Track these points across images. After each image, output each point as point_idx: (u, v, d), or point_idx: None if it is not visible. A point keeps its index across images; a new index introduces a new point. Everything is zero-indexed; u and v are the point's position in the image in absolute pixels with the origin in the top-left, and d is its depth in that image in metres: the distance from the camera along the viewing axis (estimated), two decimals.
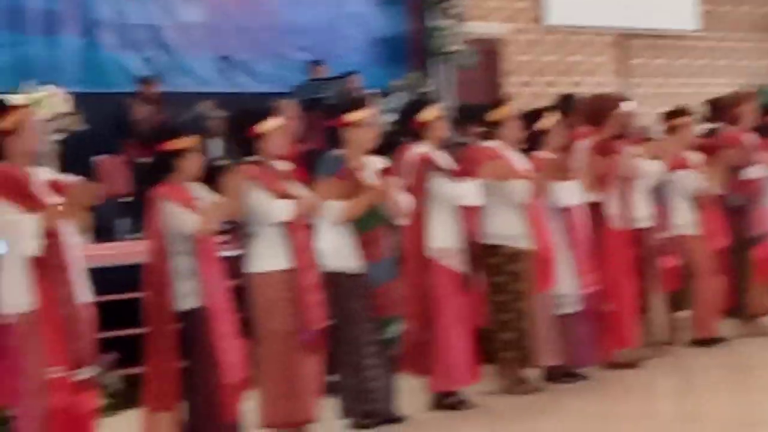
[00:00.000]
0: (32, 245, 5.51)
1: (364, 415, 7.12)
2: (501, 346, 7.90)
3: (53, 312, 5.57)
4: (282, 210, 6.67)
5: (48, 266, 5.58)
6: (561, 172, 8.09)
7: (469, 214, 7.68)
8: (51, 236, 5.59)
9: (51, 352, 5.56)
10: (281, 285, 6.69)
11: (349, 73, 13.93)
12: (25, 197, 5.60)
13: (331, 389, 7.12)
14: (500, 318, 7.88)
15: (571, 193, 8.20)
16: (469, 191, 7.54)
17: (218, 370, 6.24)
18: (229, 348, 6.29)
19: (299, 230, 6.76)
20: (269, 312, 6.70)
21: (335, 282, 7.02)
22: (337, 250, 7.04)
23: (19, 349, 5.58)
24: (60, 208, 5.64)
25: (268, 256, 6.71)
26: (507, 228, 7.86)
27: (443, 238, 7.50)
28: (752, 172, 9.65)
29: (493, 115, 8.05)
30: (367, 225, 7.08)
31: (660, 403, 8.04)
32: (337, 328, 7.00)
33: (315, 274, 6.79)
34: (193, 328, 6.27)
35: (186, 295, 6.28)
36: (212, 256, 6.36)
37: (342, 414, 7.19)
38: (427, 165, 7.47)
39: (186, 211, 6.25)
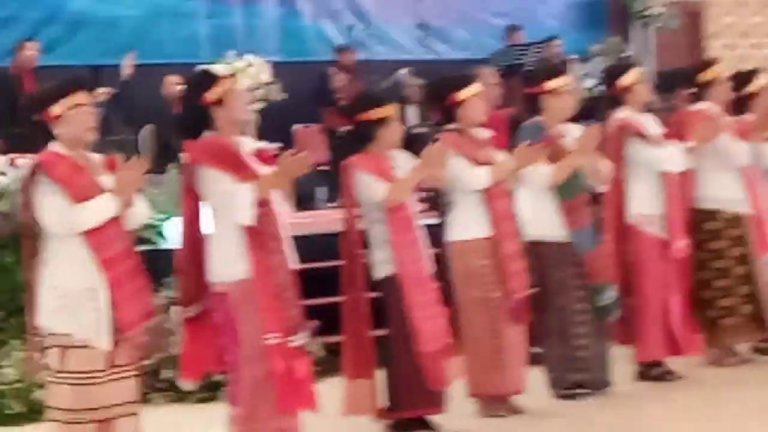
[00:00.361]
0: (247, 214, 5.55)
1: (572, 386, 7.02)
2: (723, 312, 7.70)
3: (267, 280, 5.61)
4: (481, 178, 6.59)
5: (261, 235, 5.62)
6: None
7: (682, 178, 7.50)
8: (263, 205, 5.62)
9: (267, 319, 5.60)
10: (481, 253, 6.62)
11: (549, 39, 13.76)
12: (237, 167, 5.64)
13: (536, 360, 7.02)
14: (720, 284, 7.69)
15: None
16: (672, 156, 7.32)
17: (414, 338, 6.20)
18: (427, 316, 6.25)
19: (499, 198, 6.68)
20: (469, 280, 6.65)
21: (540, 250, 6.93)
22: (540, 218, 6.95)
23: (235, 317, 5.64)
24: (272, 177, 5.66)
25: (468, 225, 6.66)
26: (725, 191, 7.67)
27: (644, 205, 7.34)
28: None
29: (703, 76, 7.81)
30: (570, 192, 6.96)
31: None
32: (543, 297, 6.90)
33: (516, 242, 6.69)
34: (387, 295, 6.28)
35: (381, 263, 6.29)
36: (408, 225, 6.33)
37: (549, 384, 7.08)
38: (626, 130, 7.29)
39: (377, 180, 6.23)
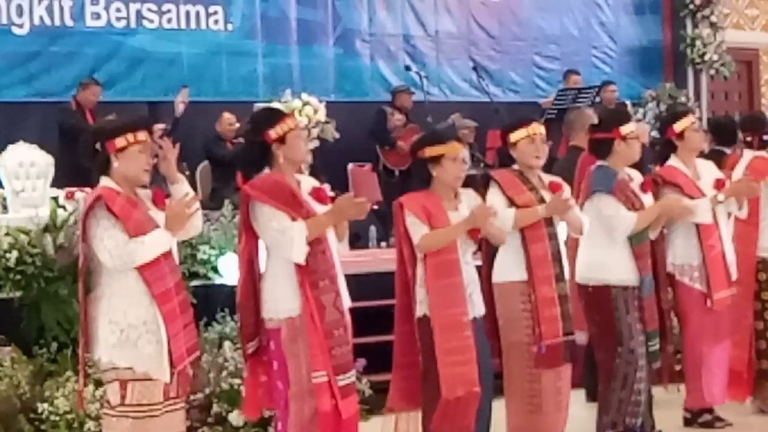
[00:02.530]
0: (299, 252, 5.62)
1: (626, 429, 7.00)
2: None
3: (318, 318, 5.66)
4: (506, 219, 6.53)
5: (313, 273, 5.68)
6: None
7: (742, 226, 7.58)
8: (317, 243, 5.69)
9: (315, 357, 5.65)
10: (520, 296, 6.63)
11: (605, 83, 13.81)
12: (294, 205, 5.71)
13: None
14: None
15: None
16: (702, 207, 7.31)
17: (438, 382, 6.17)
18: (454, 362, 6.17)
19: (537, 241, 6.62)
20: (511, 323, 6.66)
21: (609, 295, 6.89)
22: (613, 262, 6.91)
23: (285, 354, 5.71)
24: (326, 217, 5.74)
25: (510, 266, 6.66)
26: None
27: (680, 255, 7.38)
28: None
29: None
30: (642, 237, 6.99)
31: None
32: (609, 341, 6.89)
33: (553, 287, 6.61)
34: (421, 335, 6.27)
35: (420, 302, 6.29)
36: (446, 269, 6.23)
37: (604, 427, 7.06)
38: (664, 180, 7.33)
39: (420, 223, 6.21)
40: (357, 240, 11.48)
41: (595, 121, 7.58)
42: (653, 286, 7.01)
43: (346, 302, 5.88)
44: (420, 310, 6.29)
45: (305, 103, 11.97)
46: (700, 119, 15.03)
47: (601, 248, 6.91)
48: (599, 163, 7.04)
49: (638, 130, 7.32)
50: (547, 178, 6.81)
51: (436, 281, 6.23)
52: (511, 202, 6.60)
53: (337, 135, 12.11)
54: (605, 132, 7.08)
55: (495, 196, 6.62)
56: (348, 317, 5.89)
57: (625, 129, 7.02)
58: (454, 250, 6.30)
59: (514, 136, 6.74)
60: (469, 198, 6.46)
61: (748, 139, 8.02)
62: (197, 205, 5.57)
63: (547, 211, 6.58)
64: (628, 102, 13.59)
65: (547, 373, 6.63)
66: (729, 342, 7.45)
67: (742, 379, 7.63)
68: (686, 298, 7.37)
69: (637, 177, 7.11)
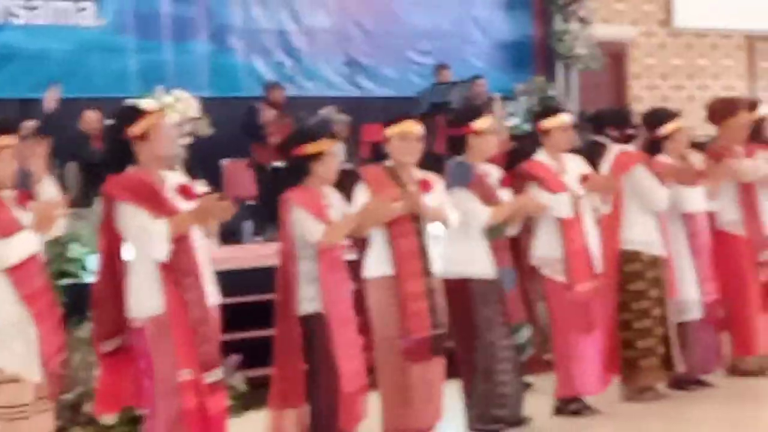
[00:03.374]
0: (162, 250, 5.62)
1: (493, 422, 7.12)
2: (642, 353, 7.85)
3: (182, 315, 5.66)
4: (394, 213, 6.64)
5: (177, 270, 5.68)
6: (684, 177, 7.99)
7: (607, 220, 7.72)
8: (180, 240, 5.68)
9: (181, 354, 5.65)
10: (388, 291, 6.70)
11: (475, 78, 13.97)
12: (156, 202, 5.69)
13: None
14: (641, 325, 7.84)
15: (695, 199, 8.11)
16: (560, 202, 7.43)
17: (336, 377, 6.27)
18: (349, 356, 6.32)
19: (404, 236, 6.70)
20: (381, 318, 6.71)
21: (468, 288, 7.02)
22: (470, 256, 7.04)
23: (151, 352, 5.69)
24: (189, 215, 5.74)
25: (378, 261, 6.73)
26: (644, 234, 7.84)
27: (544, 248, 7.49)
28: None
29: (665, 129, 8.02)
30: (496, 232, 7.10)
31: None
32: (468, 335, 7.00)
33: (420, 281, 6.71)
34: (312, 332, 6.31)
35: (308, 300, 6.33)
36: (337, 264, 6.39)
37: (471, 420, 7.18)
38: (526, 175, 7.46)
39: (314, 219, 6.29)
40: (231, 235, 11.45)
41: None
42: (516, 279, 7.15)
43: (214, 299, 5.89)
44: (309, 306, 6.32)
45: (177, 99, 11.90)
46: (571, 112, 15.29)
47: (459, 242, 7.03)
48: (458, 158, 7.15)
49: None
50: (419, 174, 6.88)
51: (331, 276, 6.31)
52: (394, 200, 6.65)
53: (210, 131, 12.07)
54: (459, 127, 7.20)
55: (360, 192, 6.68)
56: (215, 314, 5.90)
57: (478, 124, 7.13)
58: (343, 246, 6.39)
59: (387, 132, 6.81)
60: (333, 197, 6.53)
61: (614, 133, 8.18)
62: (64, 205, 5.55)
63: (403, 208, 6.64)
64: (499, 95, 13.74)
65: (416, 367, 6.70)
66: (599, 332, 7.59)
67: (611, 369, 7.78)
68: (551, 290, 7.49)
69: (495, 172, 7.23)
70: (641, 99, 17.84)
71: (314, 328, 6.30)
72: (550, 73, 16.03)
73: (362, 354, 6.42)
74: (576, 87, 16.20)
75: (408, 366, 6.69)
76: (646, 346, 7.82)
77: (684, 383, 8.16)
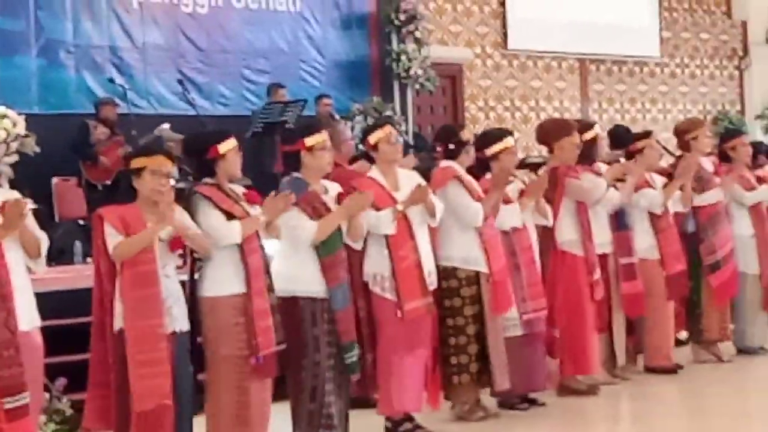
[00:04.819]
0: None
1: None
2: (455, 370, 7.85)
3: None
4: (235, 232, 6.59)
5: None
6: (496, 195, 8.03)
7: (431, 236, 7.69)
8: None
9: None
10: (233, 310, 6.61)
11: (321, 97, 13.97)
12: None
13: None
14: (455, 342, 7.84)
15: (516, 216, 8.17)
16: (383, 219, 7.40)
17: (128, 395, 6.13)
18: (145, 375, 6.11)
19: (253, 253, 6.67)
20: (220, 337, 6.61)
21: (297, 306, 6.95)
22: (299, 273, 6.97)
23: None
24: None
25: (222, 280, 6.63)
26: (463, 251, 7.84)
27: (374, 265, 7.45)
28: (708, 198, 9.68)
29: (492, 149, 8.04)
30: (330, 248, 7.04)
31: (616, 429, 8.04)
32: (296, 354, 6.93)
33: (267, 298, 6.68)
34: (117, 349, 6.17)
35: (117, 316, 6.19)
36: (143, 280, 6.18)
37: None
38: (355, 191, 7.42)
39: (116, 234, 6.16)
40: (61, 255, 11.21)
41: (349, 134, 7.73)
42: (348, 297, 7.11)
43: (30, 321, 5.71)
44: (117, 323, 6.18)
45: (3, 116, 11.58)
46: (407, 132, 15.37)
47: (289, 259, 6.99)
48: (294, 174, 7.10)
49: None
50: (240, 189, 6.81)
51: (132, 292, 6.16)
52: (230, 215, 6.59)
53: (37, 149, 11.75)
54: (292, 144, 7.16)
55: (210, 211, 6.58)
56: (33, 337, 5.71)
57: (310, 140, 7.09)
58: (152, 261, 6.23)
59: (221, 148, 6.70)
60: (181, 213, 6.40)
61: (439, 149, 8.22)
62: None
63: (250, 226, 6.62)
64: (337, 115, 13.73)
65: (255, 385, 6.63)
66: (424, 350, 7.57)
67: (436, 386, 7.78)
68: (380, 307, 7.44)
69: (333, 189, 7.19)
70: (477, 120, 18.04)
71: (117, 345, 6.18)
72: (387, 93, 16.08)
73: (169, 374, 6.22)
74: (412, 107, 16.29)
75: (248, 385, 6.60)
76: (460, 362, 7.83)
77: (517, 402, 8.19)
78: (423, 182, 7.62)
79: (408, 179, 7.65)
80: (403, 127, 14.99)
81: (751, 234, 9.93)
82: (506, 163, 8.14)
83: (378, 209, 7.37)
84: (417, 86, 16.24)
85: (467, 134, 8.21)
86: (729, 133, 10.71)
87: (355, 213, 7.13)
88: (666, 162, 9.99)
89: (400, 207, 7.44)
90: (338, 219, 7.05)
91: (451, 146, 8.04)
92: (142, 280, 6.19)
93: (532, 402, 8.29)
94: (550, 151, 8.77)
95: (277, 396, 6.95)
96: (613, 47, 19.70)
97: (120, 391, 6.16)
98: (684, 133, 9.90)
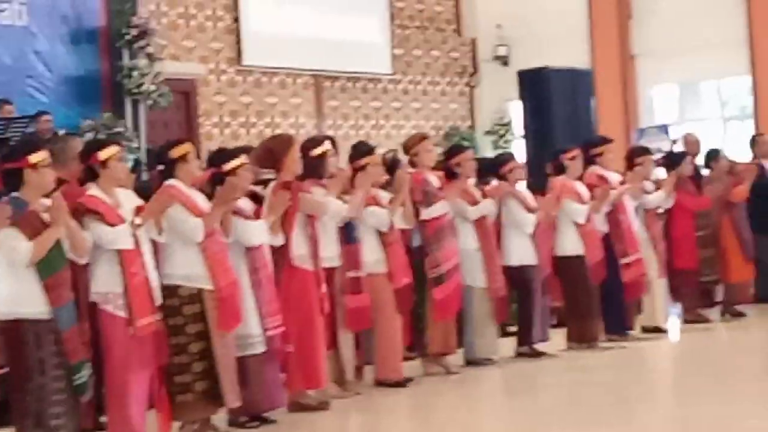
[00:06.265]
0: None
1: None
2: (179, 389, 7.75)
3: None
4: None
5: None
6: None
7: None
8: None
9: None
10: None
11: (40, 113, 13.58)
12: None
13: None
14: (178, 360, 7.74)
15: (256, 233, 8.16)
16: (118, 235, 7.35)
17: None
18: None
19: None
20: None
21: (20, 329, 6.75)
22: (21, 295, 6.78)
23: None
24: None
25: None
26: (185, 268, 7.76)
27: (106, 282, 7.34)
28: (433, 212, 9.87)
29: (175, 152, 7.94)
30: (52, 267, 6.86)
31: None
32: (20, 378, 6.72)
33: None
34: None
35: None
36: None
37: None
38: (84, 209, 7.30)
39: None
40: None
41: (80, 148, 7.58)
42: (74, 317, 6.95)
43: None
44: None
45: None
46: (139, 148, 15.17)
47: (10, 281, 6.78)
48: (12, 194, 6.91)
49: None
50: None
51: None
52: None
53: None
54: (15, 161, 6.97)
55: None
56: None
57: (34, 157, 6.92)
58: None
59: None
60: None
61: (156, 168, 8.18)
62: None
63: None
64: (62, 131, 13.39)
65: None
66: (150, 369, 7.47)
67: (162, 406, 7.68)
68: (110, 325, 7.32)
69: (130, 200, 7.22)
70: (212, 136, 17.96)
71: None
72: (118, 109, 15.84)
73: None
74: (144, 123, 16.07)
75: None
76: (183, 381, 7.74)
77: (248, 419, 8.15)
78: (140, 202, 7.55)
79: (126, 198, 7.54)
80: (136, 144, 14.75)
81: (476, 248, 10.17)
82: (242, 180, 8.11)
83: (112, 225, 7.27)
84: (150, 102, 16.03)
85: (189, 147, 8.08)
86: (454, 148, 10.92)
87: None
88: None
89: (138, 221, 7.37)
90: (54, 235, 6.87)
91: (161, 166, 7.96)
92: None
93: (263, 420, 8.25)
94: (278, 169, 8.71)
95: (1, 423, 6.75)
96: (347, 64, 19.94)
97: None
98: (408, 148, 10.11)
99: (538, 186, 11.20)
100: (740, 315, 12.83)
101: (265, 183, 8.71)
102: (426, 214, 9.86)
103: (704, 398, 8.60)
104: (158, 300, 7.49)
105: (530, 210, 10.65)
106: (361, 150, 9.59)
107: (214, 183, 8.09)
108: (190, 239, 7.75)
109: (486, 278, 10.21)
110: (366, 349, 9.42)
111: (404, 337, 9.67)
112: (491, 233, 10.36)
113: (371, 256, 9.30)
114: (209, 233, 7.78)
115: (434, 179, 10.05)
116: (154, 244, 7.63)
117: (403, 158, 10.28)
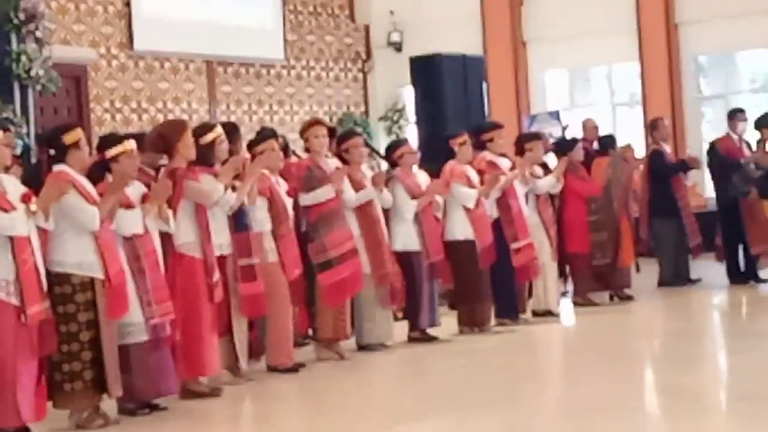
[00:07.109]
0: None
1: None
2: (68, 377, 7.70)
3: None
4: None
5: None
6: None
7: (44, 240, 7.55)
8: None
9: None
10: None
11: None
12: None
13: None
14: (67, 349, 7.68)
15: (136, 221, 8.11)
16: (17, 221, 7.29)
17: None
18: None
19: None
20: None
21: None
22: None
23: None
24: None
25: None
26: (77, 256, 7.70)
27: None
28: (318, 196, 9.90)
29: (67, 138, 7.86)
30: None
31: (238, 430, 8.11)
32: None
33: None
34: None
35: None
36: None
37: None
38: None
39: None
40: None
41: None
42: None
43: None
44: None
45: None
46: (28, 134, 14.94)
47: None
48: None
49: None
50: None
51: None
52: None
53: None
54: None
55: None
56: None
57: None
58: None
59: None
60: None
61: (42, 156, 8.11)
62: None
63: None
64: None
65: None
66: (36, 358, 7.42)
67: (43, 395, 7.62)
68: (0, 313, 7.25)
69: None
70: (103, 121, 17.78)
71: None
72: (7, 94, 15.54)
73: None
74: (33, 109, 15.80)
75: None
76: (72, 369, 7.69)
77: (138, 407, 8.11)
78: (24, 189, 7.47)
79: (10, 184, 7.47)
80: (25, 129, 14.52)
81: (358, 234, 10.18)
82: (126, 166, 8.04)
83: (5, 211, 7.20)
84: (39, 87, 15.76)
85: (79, 133, 7.99)
86: (344, 135, 10.95)
87: None
88: None
89: (33, 207, 7.31)
90: None
91: (52, 151, 7.87)
92: None
93: (154, 407, 8.21)
94: (170, 155, 8.68)
95: None
96: (239, 49, 19.86)
97: None
98: (302, 134, 10.14)
99: (431, 171, 11.25)
100: (629, 298, 13.06)
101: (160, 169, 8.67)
102: (309, 199, 9.89)
103: (590, 379, 8.78)
104: (45, 287, 7.42)
105: (414, 196, 10.71)
106: (264, 135, 9.59)
107: (100, 169, 8.03)
108: (87, 228, 7.69)
109: (370, 264, 10.24)
110: (260, 336, 9.42)
111: (301, 323, 9.70)
112: (375, 220, 10.35)
113: (265, 245, 9.31)
114: (101, 221, 7.74)
115: (324, 163, 10.06)
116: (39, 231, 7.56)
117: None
